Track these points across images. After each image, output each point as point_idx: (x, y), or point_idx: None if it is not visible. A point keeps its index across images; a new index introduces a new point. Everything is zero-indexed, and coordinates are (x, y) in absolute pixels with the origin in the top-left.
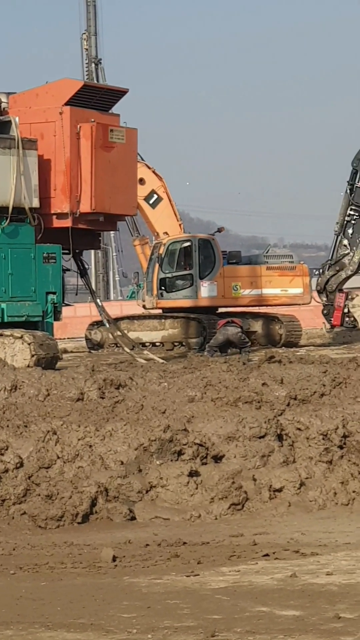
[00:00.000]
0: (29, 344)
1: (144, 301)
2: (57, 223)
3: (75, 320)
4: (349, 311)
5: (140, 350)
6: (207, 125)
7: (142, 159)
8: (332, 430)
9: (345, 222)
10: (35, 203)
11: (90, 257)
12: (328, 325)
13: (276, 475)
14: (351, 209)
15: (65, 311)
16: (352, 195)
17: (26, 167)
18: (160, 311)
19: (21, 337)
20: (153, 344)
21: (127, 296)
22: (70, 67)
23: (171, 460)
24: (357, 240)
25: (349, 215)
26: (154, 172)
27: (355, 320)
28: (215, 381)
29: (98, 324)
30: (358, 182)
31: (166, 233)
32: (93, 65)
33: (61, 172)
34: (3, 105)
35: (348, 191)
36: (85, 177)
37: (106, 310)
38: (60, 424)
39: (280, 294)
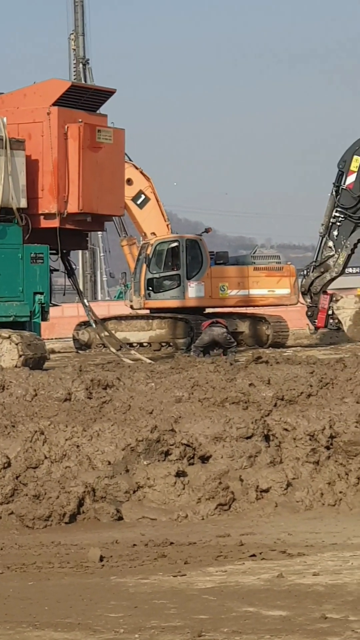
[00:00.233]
0: (16, 344)
1: (131, 301)
2: (44, 223)
3: (62, 321)
4: (333, 313)
5: (128, 351)
6: (195, 125)
7: (130, 160)
8: (319, 430)
9: (330, 223)
10: (23, 203)
11: (78, 257)
12: (312, 327)
13: (263, 475)
14: (337, 211)
15: (53, 311)
16: (338, 197)
17: (14, 167)
18: (147, 311)
19: (9, 338)
20: (140, 345)
21: (115, 296)
22: (58, 68)
23: (158, 461)
24: (342, 242)
25: (335, 217)
26: (141, 172)
27: (339, 322)
28: (202, 382)
29: (85, 324)
30: (344, 184)
31: (154, 233)
32: (81, 65)
33: (49, 173)
34: None
35: (334, 193)
36: (72, 178)
37: (93, 310)
38: (48, 424)
39: (267, 294)
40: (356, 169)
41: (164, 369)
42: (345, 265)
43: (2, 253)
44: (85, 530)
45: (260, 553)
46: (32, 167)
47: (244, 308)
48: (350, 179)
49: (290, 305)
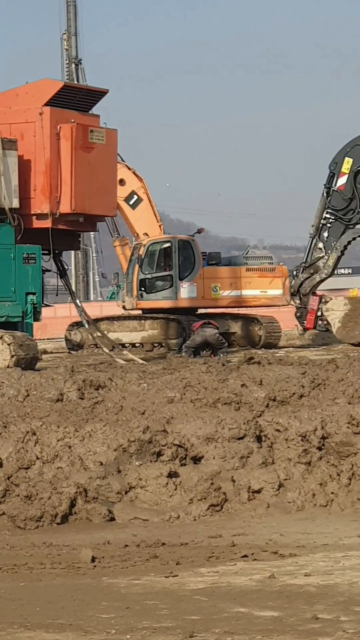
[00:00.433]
0: (8, 344)
1: (123, 302)
2: (37, 224)
3: (55, 321)
4: (322, 314)
5: (120, 351)
6: (188, 126)
7: (123, 160)
8: (311, 431)
9: (321, 225)
10: (15, 203)
11: (70, 257)
12: (301, 328)
13: (255, 476)
14: (327, 213)
15: (45, 312)
16: (329, 198)
17: (6, 167)
18: (140, 312)
19: (1, 338)
20: (133, 345)
21: (107, 297)
22: (51, 68)
23: (150, 461)
24: (333, 244)
25: (325, 218)
26: (134, 173)
27: (328, 323)
28: (194, 382)
29: (78, 324)
30: (335, 185)
31: (146, 234)
32: (73, 65)
33: (41, 173)
34: None
35: (325, 194)
36: (65, 178)
37: (86, 311)
38: (40, 425)
39: (259, 295)
40: (347, 171)
41: (156, 370)
42: (335, 267)
43: None
44: (77, 531)
45: (252, 554)
46: (24, 167)
47: (237, 309)
48: (341, 180)
49: (282, 306)
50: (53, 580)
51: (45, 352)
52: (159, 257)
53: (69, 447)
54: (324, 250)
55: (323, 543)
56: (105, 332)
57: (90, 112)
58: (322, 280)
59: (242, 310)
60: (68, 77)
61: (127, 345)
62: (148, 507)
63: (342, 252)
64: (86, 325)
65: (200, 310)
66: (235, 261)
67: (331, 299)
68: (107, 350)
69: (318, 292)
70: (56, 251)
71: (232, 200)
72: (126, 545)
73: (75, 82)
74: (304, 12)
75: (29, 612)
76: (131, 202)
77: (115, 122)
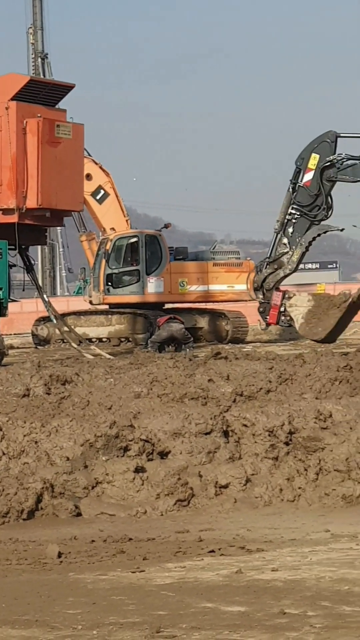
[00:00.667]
0: None
1: (90, 297)
2: (3, 219)
3: (21, 316)
4: (285, 310)
5: (88, 346)
6: (154, 120)
7: (89, 154)
8: (278, 426)
9: (286, 220)
10: None
11: (37, 252)
12: (263, 323)
13: (222, 471)
14: (293, 208)
15: (12, 307)
16: (295, 194)
17: None
18: (106, 307)
19: None
20: (100, 340)
21: (74, 292)
22: (17, 62)
23: (117, 457)
24: (297, 240)
25: (290, 214)
26: (100, 167)
27: (291, 319)
28: (161, 377)
29: (45, 319)
30: (301, 181)
31: (113, 229)
32: (39, 59)
33: (7, 168)
34: None
35: (290, 190)
36: (31, 173)
37: (53, 305)
38: (6, 420)
39: (226, 290)
40: (314, 167)
41: (123, 365)
42: (299, 263)
43: None
44: (43, 526)
45: (219, 549)
46: None
47: (204, 304)
48: (308, 176)
49: (249, 301)
50: (19, 576)
51: (11, 347)
52: (125, 252)
53: (36, 442)
54: (288, 245)
55: (290, 538)
56: (72, 327)
57: (56, 106)
58: (285, 276)
59: (209, 305)
60: (34, 72)
61: (94, 340)
62: (115, 502)
63: (307, 248)
64: (53, 320)
65: (168, 305)
66: (202, 256)
67: (295, 294)
68: (74, 345)
69: (282, 288)
70: (23, 246)
71: (199, 195)
72: (93, 541)
73: (42, 76)
74: (265, 6)
75: None
76: (98, 197)
77: (81, 116)
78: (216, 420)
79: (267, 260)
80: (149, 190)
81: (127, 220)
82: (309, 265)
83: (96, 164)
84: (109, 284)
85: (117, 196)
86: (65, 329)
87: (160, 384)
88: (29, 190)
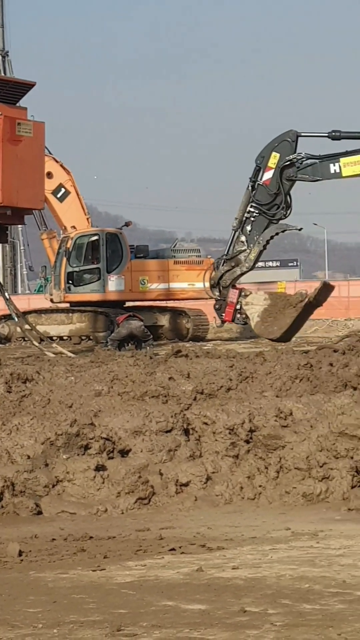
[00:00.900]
0: None
1: (51, 295)
2: None
3: None
4: (241, 307)
5: (49, 344)
6: (115, 119)
7: (50, 153)
8: (239, 424)
9: (244, 218)
10: None
11: None
12: (219, 321)
13: (183, 469)
14: (251, 206)
15: None
16: (254, 192)
17: None
18: (67, 305)
19: None
20: (61, 338)
21: (35, 290)
22: None
23: (78, 455)
24: (255, 238)
25: (249, 212)
26: (61, 165)
27: (247, 317)
28: (122, 375)
29: (6, 317)
30: (260, 179)
31: (74, 227)
32: (0, 57)
33: None
34: None
35: (250, 188)
36: None
37: (14, 303)
38: None
39: (187, 288)
40: (274, 166)
41: (84, 363)
42: (256, 261)
43: None
44: (3, 525)
45: (180, 547)
46: None
47: (164, 301)
48: (267, 175)
49: (210, 298)
50: None
51: None
52: (86, 250)
53: None
54: (246, 243)
55: (251, 536)
56: (34, 325)
57: (17, 104)
58: (242, 274)
59: (169, 303)
60: None
61: (55, 338)
62: (75, 501)
63: (265, 247)
64: (15, 318)
65: (128, 303)
66: (163, 254)
67: (251, 292)
68: (35, 343)
69: (238, 286)
70: None
71: (159, 193)
72: (53, 539)
73: (2, 74)
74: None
75: None
76: (59, 195)
77: (42, 114)
78: (177, 419)
79: (224, 257)
80: (110, 189)
81: (88, 219)
82: (270, 263)
83: (57, 162)
84: (70, 282)
85: (77, 194)
86: (27, 327)
87: (120, 382)
88: None
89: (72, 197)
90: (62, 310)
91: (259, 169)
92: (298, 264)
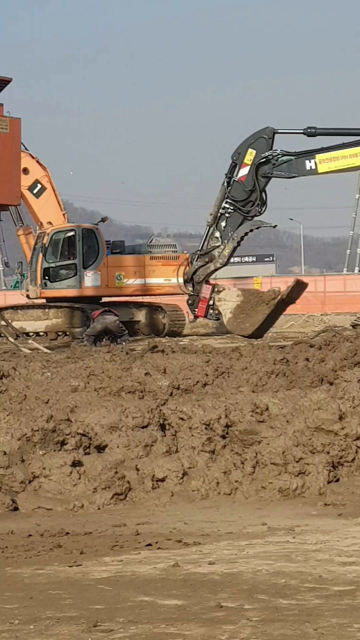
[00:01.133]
0: None
1: (27, 291)
2: None
3: None
4: (214, 303)
5: (25, 340)
6: (90, 114)
7: (26, 149)
8: (215, 420)
9: (219, 214)
10: None
11: None
12: (192, 316)
13: (159, 465)
14: (226, 202)
15: None
16: (229, 188)
17: None
18: (44, 301)
19: None
20: (37, 334)
21: (11, 286)
22: None
23: (54, 451)
24: (229, 234)
25: (224, 208)
26: (37, 161)
27: (219, 313)
28: (98, 371)
29: None
30: (236, 176)
31: (50, 223)
32: None
33: None
34: None
35: (225, 184)
36: None
37: None
38: None
39: (163, 283)
40: (249, 162)
41: (60, 359)
42: (230, 257)
43: None
44: None
45: (156, 542)
46: None
47: (141, 297)
48: (243, 171)
49: (184, 294)
50: None
51: None
52: (62, 245)
53: None
54: (220, 239)
55: (227, 531)
56: (10, 321)
57: None
58: (216, 269)
59: (146, 299)
60: None
61: (31, 334)
62: (52, 497)
63: (239, 243)
64: None
65: (105, 299)
66: (139, 249)
67: (224, 288)
68: (11, 340)
69: (211, 281)
70: None
71: (135, 189)
72: (30, 535)
73: None
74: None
75: None
76: (35, 191)
77: (18, 110)
78: (153, 414)
79: (198, 252)
80: (86, 184)
81: (64, 214)
82: (246, 259)
83: (33, 158)
84: (46, 278)
85: (54, 190)
86: (2, 323)
87: (97, 377)
88: None
89: (48, 193)
90: (39, 306)
91: (234, 165)
92: (274, 259)
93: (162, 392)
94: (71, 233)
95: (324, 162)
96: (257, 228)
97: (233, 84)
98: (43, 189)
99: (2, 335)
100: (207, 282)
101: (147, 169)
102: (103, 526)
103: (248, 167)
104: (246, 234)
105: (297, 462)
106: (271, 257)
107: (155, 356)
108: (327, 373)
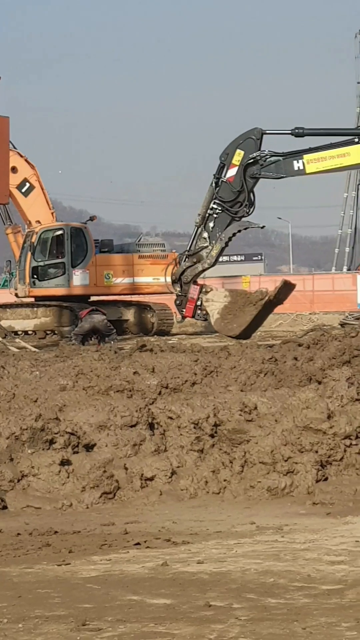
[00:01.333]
0: None
1: (16, 289)
2: None
3: None
4: (202, 304)
5: (13, 339)
6: (79, 113)
7: (14, 147)
8: (204, 419)
9: (207, 215)
10: None
11: None
12: (179, 316)
13: (147, 464)
14: (215, 203)
15: None
16: (217, 189)
17: None
18: (32, 299)
19: None
20: (25, 332)
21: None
22: None
23: (43, 449)
24: (217, 235)
25: (212, 208)
26: (26, 160)
27: (207, 313)
28: (86, 370)
29: None
30: (224, 176)
31: (38, 221)
32: None
33: None
34: None
35: (213, 184)
36: None
37: None
38: None
39: (152, 282)
40: (238, 163)
41: (49, 357)
42: (218, 257)
43: None
44: None
45: (145, 541)
46: None
47: (129, 296)
48: (231, 172)
49: (172, 293)
50: None
51: None
52: (51, 244)
53: None
54: (208, 240)
55: (216, 530)
56: None
57: None
58: (204, 270)
59: (134, 298)
60: None
61: (19, 332)
62: (40, 495)
63: (227, 244)
64: None
65: (93, 298)
66: (127, 248)
67: (212, 289)
68: (0, 338)
69: (199, 282)
70: None
71: (124, 188)
72: (18, 534)
73: None
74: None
75: None
76: (23, 190)
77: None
78: (141, 413)
79: (186, 253)
80: (75, 183)
81: (52, 213)
82: (234, 258)
83: (21, 156)
84: (35, 276)
85: (42, 189)
86: None
87: (85, 376)
88: None
89: (36, 191)
90: (27, 305)
91: (223, 166)
92: (262, 258)
93: (150, 391)
94: (60, 232)
95: (312, 163)
96: (245, 229)
97: (222, 85)
98: (31, 187)
99: None
100: (195, 283)
101: (136, 168)
102: (92, 525)
103: (236, 168)
104: (234, 234)
105: (286, 461)
106: (260, 256)
107: (144, 355)
108: (316, 372)
